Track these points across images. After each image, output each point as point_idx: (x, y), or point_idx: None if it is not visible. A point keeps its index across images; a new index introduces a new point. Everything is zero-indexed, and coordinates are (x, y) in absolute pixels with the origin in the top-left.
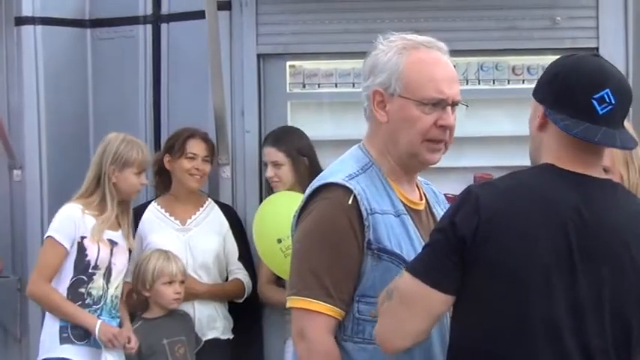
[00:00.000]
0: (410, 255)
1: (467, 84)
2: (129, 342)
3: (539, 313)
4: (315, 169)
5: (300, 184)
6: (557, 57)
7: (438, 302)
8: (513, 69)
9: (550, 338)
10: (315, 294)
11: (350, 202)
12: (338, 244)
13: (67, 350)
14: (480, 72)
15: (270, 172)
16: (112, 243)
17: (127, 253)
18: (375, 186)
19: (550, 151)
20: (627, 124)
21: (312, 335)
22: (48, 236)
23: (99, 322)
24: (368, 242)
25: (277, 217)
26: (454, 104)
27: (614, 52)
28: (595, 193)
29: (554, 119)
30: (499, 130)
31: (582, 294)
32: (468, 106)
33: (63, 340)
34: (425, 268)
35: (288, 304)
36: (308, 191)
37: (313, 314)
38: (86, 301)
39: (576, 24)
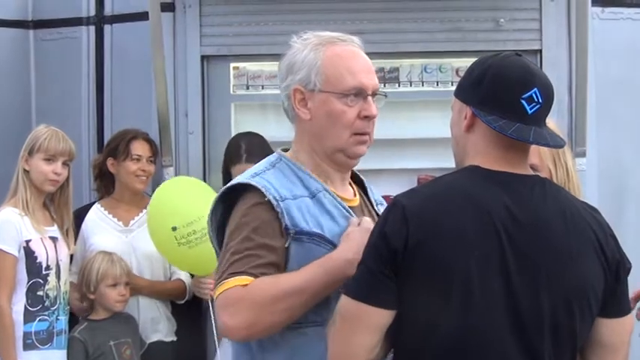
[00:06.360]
0: (333, 231)
1: (410, 86)
2: None
3: (477, 319)
4: None
5: None
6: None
7: (379, 318)
8: (457, 71)
9: (490, 343)
10: (237, 270)
11: (258, 196)
12: (259, 230)
13: (32, 356)
14: (424, 74)
15: None
16: (53, 239)
17: (67, 246)
18: (285, 175)
19: (477, 152)
20: (550, 122)
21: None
22: None
23: None
24: (286, 229)
25: (172, 204)
26: (374, 94)
27: (557, 55)
28: (524, 190)
29: (486, 120)
30: (443, 132)
31: (520, 295)
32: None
33: (27, 347)
34: (360, 288)
35: (216, 294)
36: (217, 196)
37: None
38: (45, 304)
39: (520, 26)
